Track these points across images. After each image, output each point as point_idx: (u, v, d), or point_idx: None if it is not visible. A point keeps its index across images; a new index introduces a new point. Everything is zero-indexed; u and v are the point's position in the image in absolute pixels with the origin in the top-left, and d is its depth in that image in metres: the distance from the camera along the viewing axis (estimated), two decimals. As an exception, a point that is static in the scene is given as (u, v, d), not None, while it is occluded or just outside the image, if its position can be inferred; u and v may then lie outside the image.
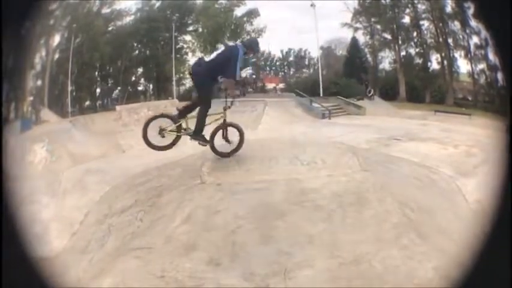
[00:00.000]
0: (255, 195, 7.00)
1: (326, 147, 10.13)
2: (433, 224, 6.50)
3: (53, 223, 9.07)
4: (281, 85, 34.78)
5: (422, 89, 28.99)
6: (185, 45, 36.53)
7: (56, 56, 31.35)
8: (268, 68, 38.93)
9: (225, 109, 8.73)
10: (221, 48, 8.34)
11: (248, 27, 35.84)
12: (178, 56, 34.86)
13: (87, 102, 32.03)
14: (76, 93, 32.23)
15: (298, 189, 7.05)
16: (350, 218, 6.06)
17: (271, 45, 36.87)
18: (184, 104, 8.65)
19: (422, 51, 30.46)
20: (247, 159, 8.97)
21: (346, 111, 24.03)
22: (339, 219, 6.03)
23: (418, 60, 30.84)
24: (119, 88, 34.88)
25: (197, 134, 8.61)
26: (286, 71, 39.19)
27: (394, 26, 31.05)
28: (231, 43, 8.33)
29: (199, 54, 36.41)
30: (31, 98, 30.29)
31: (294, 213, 6.25)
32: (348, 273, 4.77)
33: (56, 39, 31.39)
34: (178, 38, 35.61)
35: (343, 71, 33.03)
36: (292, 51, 38.48)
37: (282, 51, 38.50)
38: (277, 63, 39.11)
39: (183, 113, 8.62)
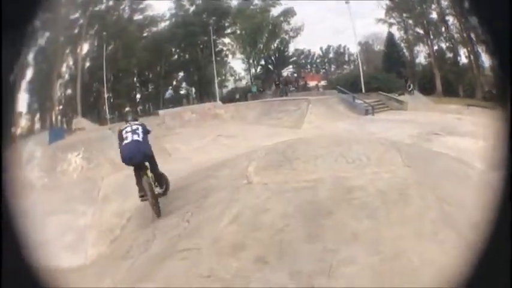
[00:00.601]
0: (302, 194, 7.06)
1: (370, 144, 10.16)
2: (468, 218, 6.43)
3: (91, 230, 9.44)
4: (323, 82, 34.74)
5: (456, 83, 28.66)
6: (224, 48, 36.82)
7: (87, 64, 32.09)
8: (309, 66, 38.92)
9: None
10: (136, 128, 9.27)
11: (286, 27, 36.02)
12: (218, 58, 35.07)
13: (127, 108, 32.62)
14: (114, 100, 33.03)
15: (345, 187, 7.07)
16: (393, 215, 6.07)
17: (310, 43, 36.89)
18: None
19: (451, 45, 30.10)
20: (293, 158, 9.04)
21: (388, 106, 23.87)
22: (383, 216, 6.05)
23: (449, 55, 30.49)
24: (171, 89, 35.41)
25: (162, 186, 9.52)
26: (327, 68, 39.07)
27: (425, 21, 30.80)
28: (133, 124, 9.50)
29: (239, 56, 36.82)
30: (60, 107, 31.15)
31: (341, 211, 6.31)
32: (389, 269, 4.80)
33: (85, 47, 32.19)
34: (217, 41, 35.81)
35: (382, 65, 32.81)
36: (331, 48, 38.34)
37: (321, 48, 38.44)
38: (318, 61, 39.06)
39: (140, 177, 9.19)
